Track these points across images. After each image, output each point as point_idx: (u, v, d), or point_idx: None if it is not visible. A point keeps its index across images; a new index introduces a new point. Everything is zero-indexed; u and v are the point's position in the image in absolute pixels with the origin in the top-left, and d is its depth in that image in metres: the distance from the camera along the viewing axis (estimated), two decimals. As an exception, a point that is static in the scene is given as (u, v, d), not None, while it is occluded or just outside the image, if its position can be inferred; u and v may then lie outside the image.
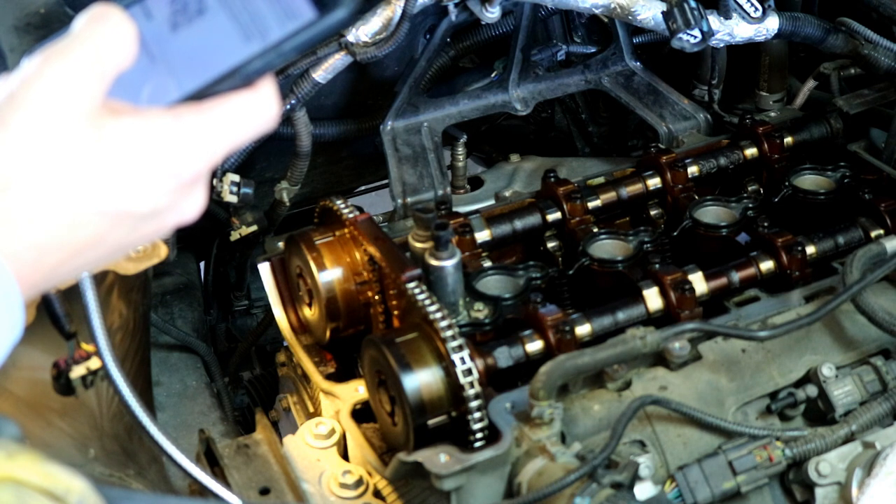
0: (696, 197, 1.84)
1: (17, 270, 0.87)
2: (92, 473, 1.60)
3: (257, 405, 2.26)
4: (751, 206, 1.80)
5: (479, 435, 1.41)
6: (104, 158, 0.88)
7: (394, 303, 1.62)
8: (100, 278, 1.62)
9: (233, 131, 0.93)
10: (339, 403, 1.63)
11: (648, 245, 1.75)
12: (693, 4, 1.85)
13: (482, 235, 1.79)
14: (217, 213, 2.13)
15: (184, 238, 2.02)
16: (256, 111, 0.93)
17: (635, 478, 1.32)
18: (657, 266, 1.65)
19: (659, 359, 1.51)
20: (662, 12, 1.87)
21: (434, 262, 1.55)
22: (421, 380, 1.43)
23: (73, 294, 1.38)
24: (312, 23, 0.90)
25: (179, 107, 0.91)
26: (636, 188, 1.89)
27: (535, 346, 1.54)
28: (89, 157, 0.87)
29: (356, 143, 2.27)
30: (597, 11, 1.95)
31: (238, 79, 0.91)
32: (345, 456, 1.62)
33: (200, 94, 0.91)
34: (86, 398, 1.64)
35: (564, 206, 1.82)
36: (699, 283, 1.64)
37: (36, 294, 0.92)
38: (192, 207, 0.95)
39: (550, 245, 1.83)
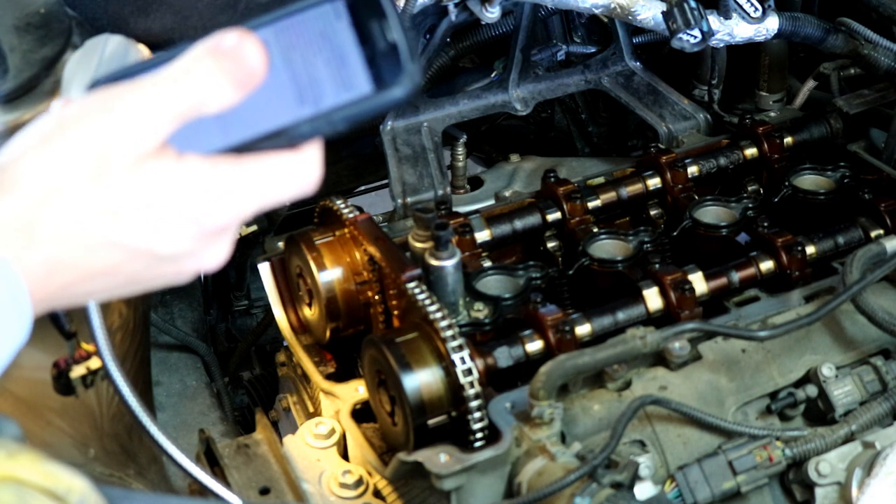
0: (696, 197, 1.84)
1: (28, 283, 0.87)
2: (92, 473, 1.60)
3: (257, 405, 2.25)
4: (751, 206, 1.80)
5: (479, 435, 1.41)
6: (134, 194, 0.87)
7: (394, 303, 1.62)
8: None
9: (268, 189, 0.91)
10: (339, 403, 1.63)
11: (648, 245, 1.75)
12: (693, 4, 1.85)
13: (482, 235, 1.79)
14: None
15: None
16: (296, 174, 0.91)
17: (635, 478, 1.32)
18: (657, 266, 1.65)
19: (659, 359, 1.51)
20: (662, 12, 1.87)
21: (434, 262, 1.55)
22: (421, 380, 1.43)
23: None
24: (367, 97, 0.89)
25: (218, 156, 0.90)
26: (636, 188, 1.89)
27: (535, 346, 1.54)
28: (120, 190, 0.87)
29: (356, 143, 2.27)
30: (597, 11, 1.95)
31: (283, 139, 0.90)
32: (345, 456, 1.62)
33: (243, 148, 0.90)
34: (86, 398, 1.64)
35: (564, 206, 1.82)
36: (699, 283, 1.64)
37: (42, 310, 0.92)
38: (213, 258, 0.94)
39: (550, 245, 1.83)
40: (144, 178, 0.88)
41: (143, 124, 0.87)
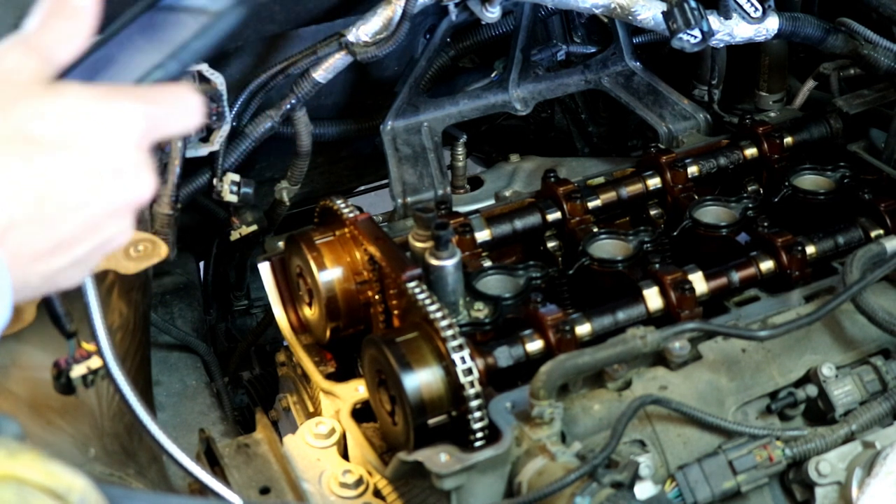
0: (696, 197, 1.84)
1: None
2: (92, 472, 1.60)
3: (257, 405, 2.26)
4: (751, 206, 1.80)
5: (479, 434, 1.41)
6: (49, 118, 0.89)
7: (394, 302, 1.62)
8: (100, 278, 1.62)
9: (165, 106, 0.96)
10: (339, 403, 1.63)
11: (648, 245, 1.75)
12: (693, 4, 1.85)
13: (482, 235, 1.79)
14: (217, 213, 2.13)
15: (184, 238, 2.02)
16: (183, 97, 0.97)
17: (635, 477, 1.32)
18: (657, 266, 1.65)
19: (659, 358, 1.51)
20: (662, 12, 1.87)
21: (434, 262, 1.55)
22: (421, 379, 1.43)
23: (73, 293, 1.37)
24: (205, 26, 0.98)
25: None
26: (636, 188, 1.89)
27: (535, 345, 1.54)
28: (32, 118, 0.89)
29: (356, 143, 2.27)
30: (597, 11, 1.95)
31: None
32: (345, 455, 1.62)
33: None
34: (86, 397, 1.64)
35: (564, 206, 1.82)
36: (699, 282, 1.64)
37: (30, 285, 0.91)
38: (144, 182, 0.95)
39: (550, 245, 1.83)
40: (60, 103, 0.90)
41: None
